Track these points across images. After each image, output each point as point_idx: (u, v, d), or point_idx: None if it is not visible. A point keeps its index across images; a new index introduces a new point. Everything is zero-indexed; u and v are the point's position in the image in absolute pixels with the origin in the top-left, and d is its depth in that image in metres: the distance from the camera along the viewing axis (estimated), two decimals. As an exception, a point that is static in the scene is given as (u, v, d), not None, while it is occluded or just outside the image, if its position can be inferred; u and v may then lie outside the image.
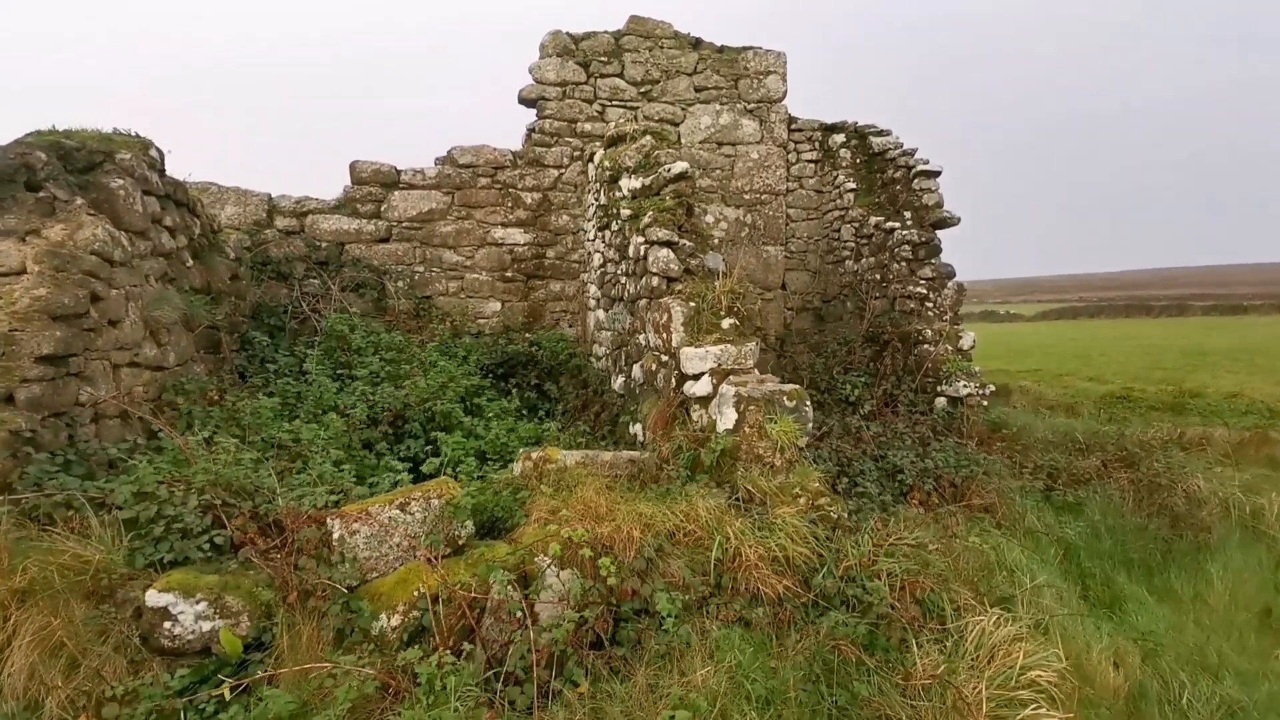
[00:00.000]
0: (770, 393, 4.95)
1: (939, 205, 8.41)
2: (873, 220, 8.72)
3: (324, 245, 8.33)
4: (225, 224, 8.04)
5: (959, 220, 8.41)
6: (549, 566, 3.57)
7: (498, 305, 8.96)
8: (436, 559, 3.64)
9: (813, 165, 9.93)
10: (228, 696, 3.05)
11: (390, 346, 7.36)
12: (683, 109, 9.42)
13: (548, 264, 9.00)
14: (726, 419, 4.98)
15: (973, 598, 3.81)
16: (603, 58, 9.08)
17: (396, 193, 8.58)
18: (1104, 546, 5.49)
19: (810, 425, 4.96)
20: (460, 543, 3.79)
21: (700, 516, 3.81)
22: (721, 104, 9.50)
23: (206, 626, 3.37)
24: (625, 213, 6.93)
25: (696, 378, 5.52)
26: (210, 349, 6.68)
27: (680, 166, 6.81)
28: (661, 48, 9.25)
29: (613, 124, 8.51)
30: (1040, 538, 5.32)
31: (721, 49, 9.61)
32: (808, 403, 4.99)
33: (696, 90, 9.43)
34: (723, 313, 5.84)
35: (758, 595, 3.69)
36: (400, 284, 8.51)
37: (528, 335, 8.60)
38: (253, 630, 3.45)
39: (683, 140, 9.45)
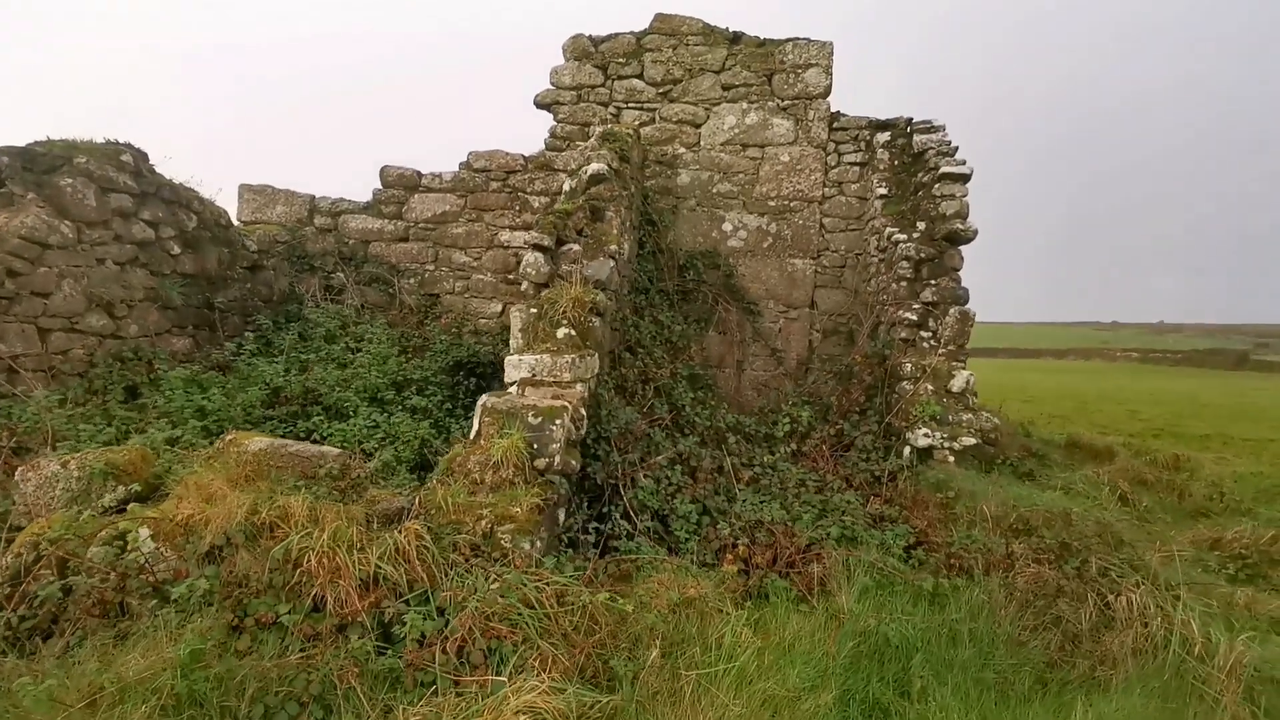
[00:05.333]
0: (516, 407, 4.56)
1: (958, 215, 6.91)
2: (888, 231, 7.44)
3: (350, 242, 9.21)
4: (275, 220, 9.26)
5: (975, 234, 6.81)
6: (144, 535, 3.69)
7: (499, 306, 9.17)
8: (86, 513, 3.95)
9: (857, 169, 8.71)
10: None
11: (359, 337, 7.93)
12: (706, 109, 8.83)
13: (549, 267, 8.99)
14: (474, 428, 4.68)
15: (539, 658, 3.21)
16: (621, 59, 8.86)
17: (416, 195, 9.19)
18: (960, 655, 4.19)
19: (556, 446, 4.47)
20: (109, 504, 4.04)
21: (294, 515, 3.66)
22: (750, 102, 8.74)
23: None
24: (550, 217, 6.74)
25: (508, 386, 5.26)
26: (205, 326, 7.75)
27: (594, 168, 6.47)
28: (686, 45, 8.77)
29: (626, 127, 8.28)
30: (848, 626, 4.22)
31: (763, 43, 8.85)
32: (557, 422, 4.51)
33: (724, 88, 8.78)
34: (562, 322, 5.47)
35: (320, 603, 3.47)
36: (410, 281, 9.10)
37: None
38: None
39: (702, 142, 8.86)
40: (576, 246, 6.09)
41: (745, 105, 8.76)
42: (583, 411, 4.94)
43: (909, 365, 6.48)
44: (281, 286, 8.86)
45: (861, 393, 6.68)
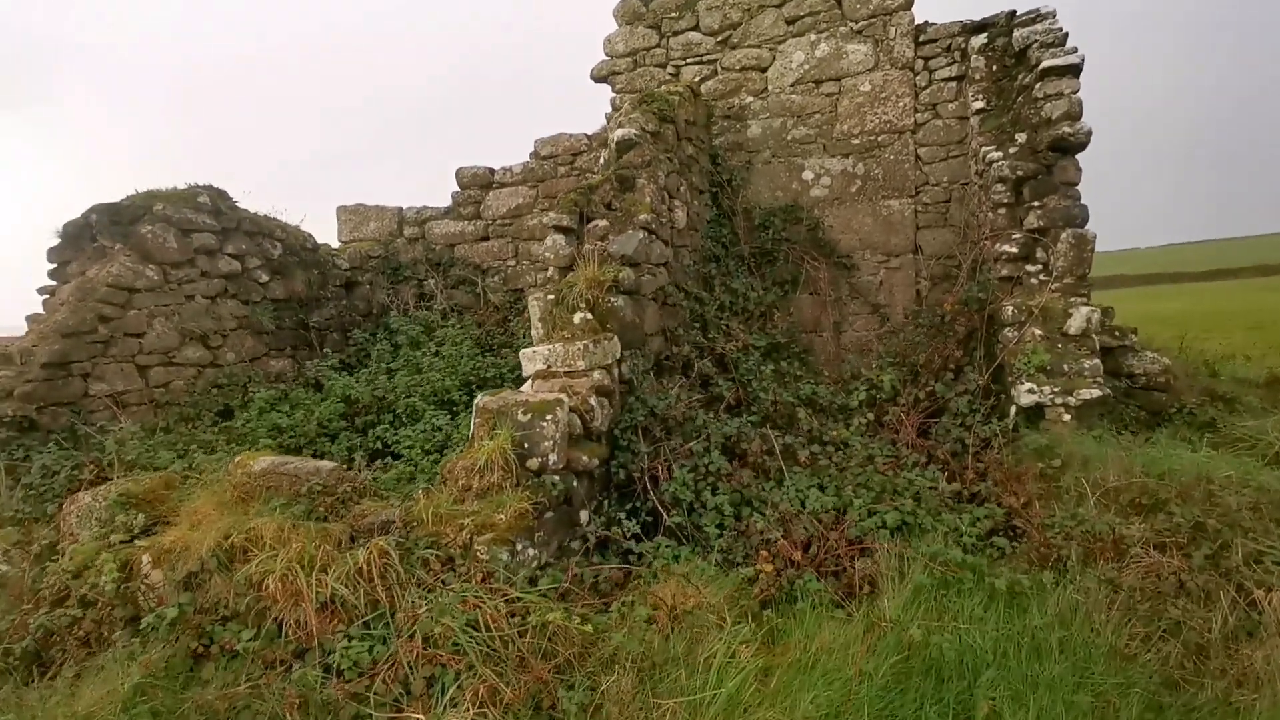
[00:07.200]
0: (507, 404, 4.24)
1: (1066, 117, 5.58)
2: (983, 151, 6.25)
3: (437, 248, 9.38)
4: (370, 235, 9.65)
5: (1088, 137, 5.44)
6: (145, 563, 3.82)
7: (579, 293, 8.90)
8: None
9: (953, 85, 7.41)
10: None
11: (443, 341, 8.02)
12: (770, 49, 7.95)
13: (624, 247, 8.59)
14: (471, 430, 4.42)
15: (474, 689, 2.89)
16: (673, 13, 8.20)
17: (491, 193, 9.16)
18: (1047, 672, 3.34)
19: (549, 444, 4.11)
20: (135, 531, 4.24)
21: (262, 537, 3.60)
22: (819, 32, 7.74)
23: (2, 568, 4.52)
24: (571, 195, 6.34)
25: (525, 381, 4.98)
26: (303, 346, 8.22)
27: (620, 134, 6.00)
28: (741, -17, 7.95)
29: (679, 85, 7.69)
30: (889, 637, 3.50)
31: (831, -38, 7.82)
32: (549, 418, 4.14)
33: (787, 23, 7.85)
34: (580, 306, 5.09)
35: (281, 626, 3.40)
36: (495, 279, 9.10)
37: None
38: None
39: (770, 87, 7.99)
40: (604, 222, 5.66)
41: (814, 37, 7.78)
42: (591, 402, 4.52)
43: (1010, 309, 5.37)
44: (380, 299, 9.23)
45: (956, 346, 5.65)
